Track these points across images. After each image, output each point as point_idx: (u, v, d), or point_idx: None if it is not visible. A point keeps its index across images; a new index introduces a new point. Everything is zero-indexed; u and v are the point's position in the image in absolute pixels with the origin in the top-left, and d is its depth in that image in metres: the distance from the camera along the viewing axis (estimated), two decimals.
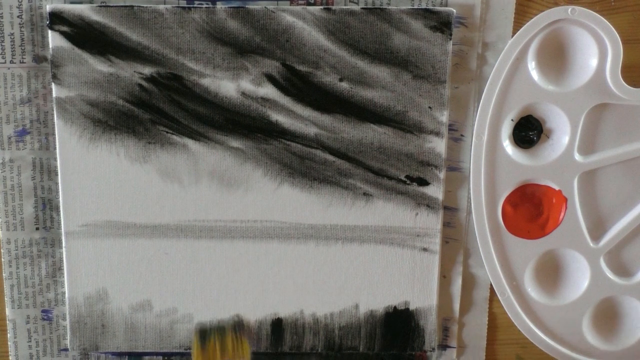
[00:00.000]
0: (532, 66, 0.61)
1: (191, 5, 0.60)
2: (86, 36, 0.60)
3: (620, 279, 0.65)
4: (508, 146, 0.63)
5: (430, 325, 0.66)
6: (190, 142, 0.62)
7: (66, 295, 0.65)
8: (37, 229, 0.65)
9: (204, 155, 0.63)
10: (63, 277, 0.65)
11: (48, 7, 0.60)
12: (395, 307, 0.66)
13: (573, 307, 0.66)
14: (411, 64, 0.61)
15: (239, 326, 0.65)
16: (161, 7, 0.60)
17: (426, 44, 0.61)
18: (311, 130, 0.62)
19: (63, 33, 0.60)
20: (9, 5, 0.60)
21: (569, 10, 0.60)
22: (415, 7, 0.60)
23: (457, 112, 0.63)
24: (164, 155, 0.63)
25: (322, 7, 0.60)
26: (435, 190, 0.64)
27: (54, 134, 0.63)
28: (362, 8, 0.60)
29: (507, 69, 0.61)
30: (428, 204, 0.64)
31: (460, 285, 0.66)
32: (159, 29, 0.60)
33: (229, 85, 0.61)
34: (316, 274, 0.65)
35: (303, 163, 0.63)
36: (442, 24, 0.60)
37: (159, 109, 0.62)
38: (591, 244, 0.65)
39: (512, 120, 0.62)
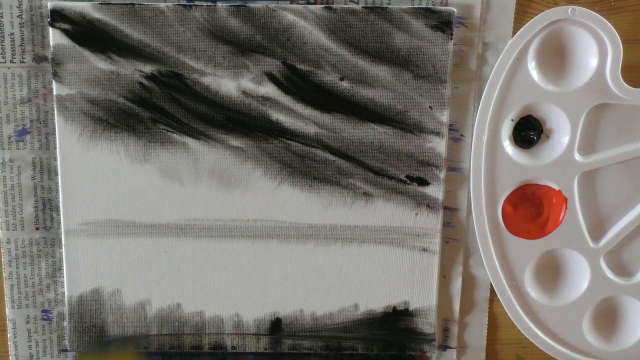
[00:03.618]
0: (532, 66, 0.61)
1: (192, 4, 0.60)
2: (87, 34, 0.60)
3: (620, 279, 0.65)
4: (508, 146, 0.63)
5: (430, 326, 0.66)
6: (190, 141, 0.62)
7: (65, 293, 0.65)
8: (37, 228, 0.65)
9: (204, 154, 0.63)
10: (63, 277, 0.65)
11: (49, 5, 0.60)
12: (394, 307, 0.66)
13: (573, 307, 0.66)
14: (412, 63, 0.61)
15: None
16: (162, 5, 0.60)
17: (427, 44, 0.61)
18: (311, 130, 0.62)
19: (64, 30, 0.60)
20: (9, 5, 0.61)
21: (569, 10, 0.60)
22: (416, 6, 0.61)
23: (457, 112, 0.63)
24: (164, 154, 0.63)
25: (322, 6, 0.60)
26: (435, 190, 0.64)
27: (54, 134, 0.63)
28: (362, 7, 0.60)
29: (507, 69, 0.61)
30: (428, 204, 0.64)
31: (460, 286, 0.66)
32: (159, 27, 0.60)
33: (230, 83, 0.61)
34: (315, 274, 0.65)
35: (303, 162, 0.63)
36: (443, 23, 0.60)
37: (160, 108, 0.62)
38: (591, 244, 0.64)
39: (512, 120, 0.62)
